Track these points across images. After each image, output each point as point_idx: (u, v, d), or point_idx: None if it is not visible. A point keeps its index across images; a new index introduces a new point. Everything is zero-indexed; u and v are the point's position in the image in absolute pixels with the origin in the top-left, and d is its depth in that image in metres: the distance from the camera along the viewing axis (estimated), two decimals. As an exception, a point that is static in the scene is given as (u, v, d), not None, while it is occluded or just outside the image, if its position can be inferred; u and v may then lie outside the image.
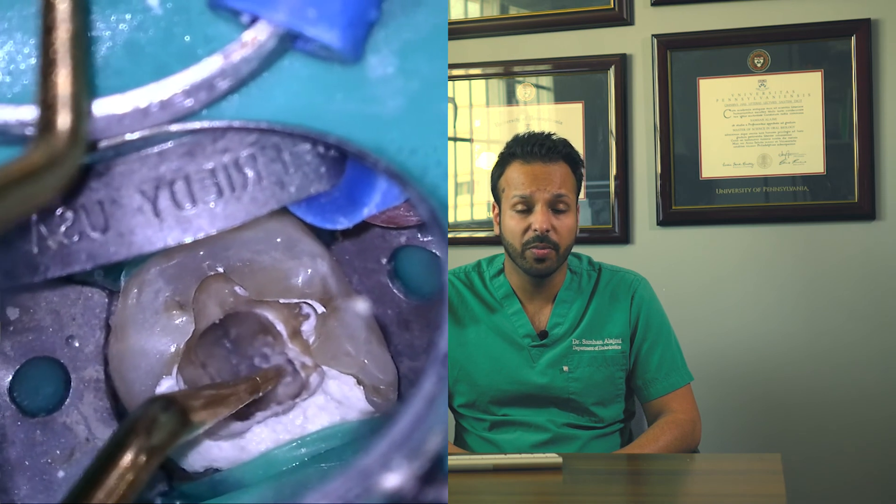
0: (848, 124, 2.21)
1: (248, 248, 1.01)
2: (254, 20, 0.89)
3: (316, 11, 0.88)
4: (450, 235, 2.44)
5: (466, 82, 2.47)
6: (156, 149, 0.93)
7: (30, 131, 0.88)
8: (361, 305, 1.02)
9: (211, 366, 0.99)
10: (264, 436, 1.01)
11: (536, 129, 1.81)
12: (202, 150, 0.93)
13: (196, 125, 0.91)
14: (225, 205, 0.94)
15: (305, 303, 1.01)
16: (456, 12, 2.47)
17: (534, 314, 1.73)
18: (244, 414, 0.98)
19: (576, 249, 1.74)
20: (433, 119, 0.92)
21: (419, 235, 1.06)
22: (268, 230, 1.01)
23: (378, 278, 1.07)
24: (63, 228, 0.93)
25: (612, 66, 2.34)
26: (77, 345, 1.02)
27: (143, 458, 0.82)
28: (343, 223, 0.97)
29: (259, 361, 0.99)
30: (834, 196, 2.23)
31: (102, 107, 0.89)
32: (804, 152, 2.24)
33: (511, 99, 2.45)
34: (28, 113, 0.88)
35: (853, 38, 2.19)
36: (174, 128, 0.91)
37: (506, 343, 1.72)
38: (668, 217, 2.32)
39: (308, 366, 1.00)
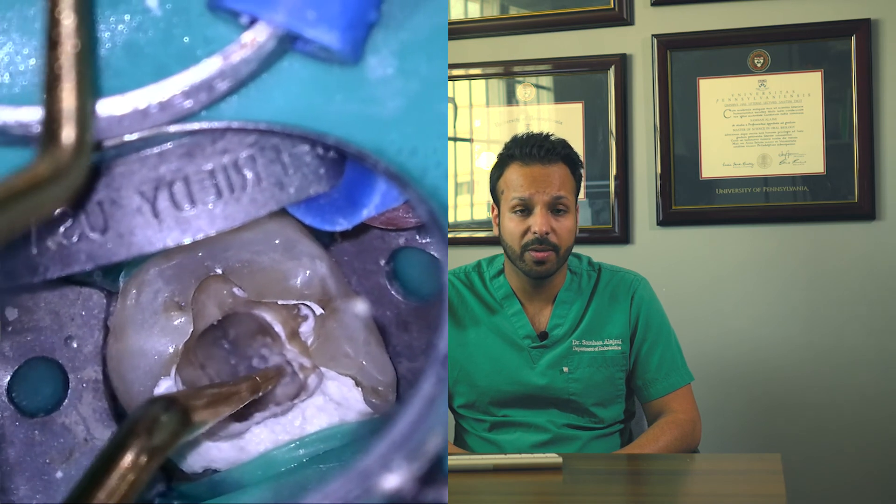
0: (848, 124, 2.21)
1: (247, 249, 1.01)
2: (253, 21, 0.89)
3: (315, 13, 0.88)
4: (450, 235, 2.44)
5: (466, 82, 2.47)
6: (155, 150, 0.93)
7: (29, 132, 0.88)
8: (360, 307, 1.02)
9: (209, 367, 0.99)
10: (263, 436, 1.00)
11: (536, 129, 1.81)
12: (201, 151, 0.93)
13: (195, 126, 0.91)
14: (224, 206, 0.94)
15: (304, 304, 1.01)
16: (456, 12, 2.47)
17: (534, 315, 1.73)
18: (243, 415, 0.98)
19: (576, 249, 1.74)
20: (433, 120, 0.92)
21: (418, 237, 1.06)
22: (267, 231, 1.01)
23: (377, 280, 1.07)
24: (62, 229, 0.93)
25: (612, 66, 2.34)
26: (76, 345, 1.02)
27: (144, 458, 0.82)
28: (342, 224, 0.97)
29: (257, 363, 0.99)
30: (834, 196, 2.23)
31: (102, 108, 0.89)
32: (804, 152, 2.24)
33: (511, 99, 2.45)
34: (28, 114, 0.88)
35: (853, 38, 2.19)
36: (173, 129, 0.91)
37: (506, 344, 1.72)
38: (668, 217, 2.32)
39: (306, 367, 1.00)
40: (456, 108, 2.48)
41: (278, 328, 0.99)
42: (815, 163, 2.24)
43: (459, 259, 2.02)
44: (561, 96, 2.41)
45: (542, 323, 1.72)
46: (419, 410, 0.88)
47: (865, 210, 2.20)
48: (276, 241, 1.01)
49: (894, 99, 2.19)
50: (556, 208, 1.65)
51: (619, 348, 1.71)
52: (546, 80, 2.43)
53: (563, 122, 2.39)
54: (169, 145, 0.93)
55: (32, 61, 0.90)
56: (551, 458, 1.38)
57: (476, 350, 1.73)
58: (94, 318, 1.02)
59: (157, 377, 1.01)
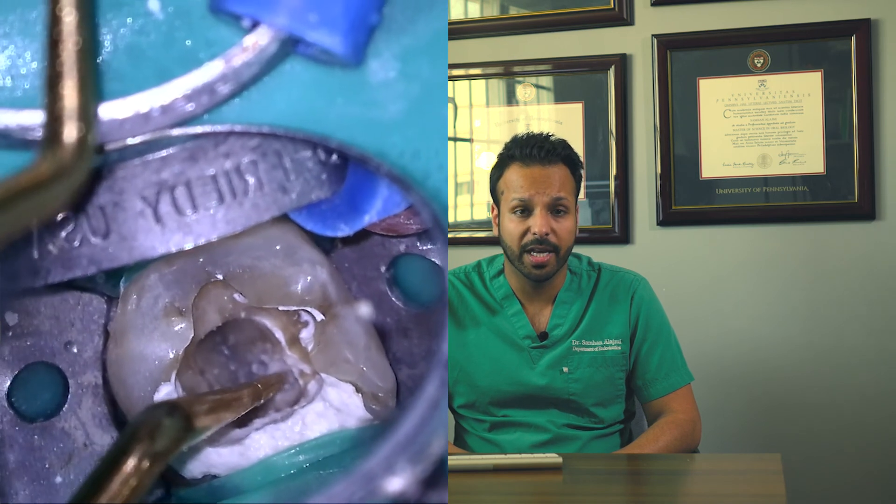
0: (848, 124, 2.21)
1: (248, 254, 1.01)
2: (255, 24, 0.89)
3: (317, 16, 0.88)
4: (450, 236, 2.44)
5: (466, 82, 2.47)
6: (157, 153, 0.93)
7: (31, 136, 0.87)
8: (361, 312, 1.02)
9: (209, 372, 0.98)
10: (263, 442, 1.00)
11: (536, 129, 1.81)
12: (204, 154, 0.93)
13: (197, 129, 0.91)
14: (226, 211, 0.94)
15: (304, 310, 1.01)
16: (456, 12, 2.47)
17: (534, 315, 1.73)
18: (243, 421, 0.98)
19: (576, 250, 1.74)
20: (434, 123, 0.91)
21: (418, 244, 1.06)
22: (268, 237, 1.01)
23: (377, 286, 1.07)
24: (64, 233, 0.92)
25: (612, 66, 2.34)
26: (76, 350, 1.02)
27: (146, 463, 0.82)
28: (344, 230, 0.97)
29: (257, 368, 0.99)
30: (834, 196, 2.23)
31: (104, 111, 0.88)
32: (804, 152, 2.24)
33: (511, 99, 2.45)
34: (29, 117, 0.87)
35: (853, 38, 2.19)
36: (176, 132, 0.90)
37: (506, 344, 1.72)
38: (668, 217, 2.32)
39: (307, 373, 0.99)
40: (456, 108, 2.48)
41: (279, 334, 0.99)
42: (815, 163, 2.24)
43: (459, 259, 2.01)
44: (561, 96, 2.41)
45: (542, 323, 1.72)
46: (422, 413, 0.88)
47: (865, 210, 2.20)
48: (277, 247, 1.01)
49: (894, 99, 2.19)
50: (556, 209, 1.64)
51: (619, 348, 1.71)
52: (546, 80, 2.42)
53: (563, 122, 2.39)
54: (171, 149, 0.93)
55: (34, 64, 0.89)
56: (551, 458, 1.38)
57: (476, 350, 1.73)
58: (94, 323, 1.02)
59: (158, 382, 1.01)
